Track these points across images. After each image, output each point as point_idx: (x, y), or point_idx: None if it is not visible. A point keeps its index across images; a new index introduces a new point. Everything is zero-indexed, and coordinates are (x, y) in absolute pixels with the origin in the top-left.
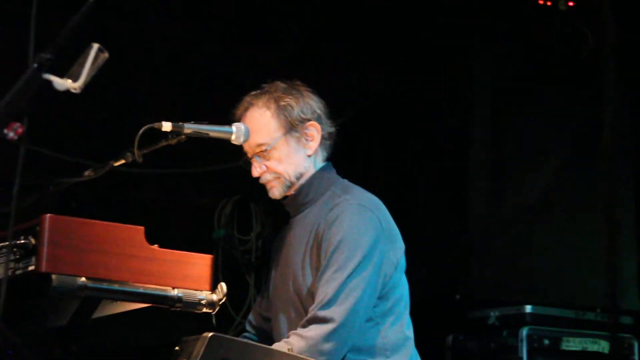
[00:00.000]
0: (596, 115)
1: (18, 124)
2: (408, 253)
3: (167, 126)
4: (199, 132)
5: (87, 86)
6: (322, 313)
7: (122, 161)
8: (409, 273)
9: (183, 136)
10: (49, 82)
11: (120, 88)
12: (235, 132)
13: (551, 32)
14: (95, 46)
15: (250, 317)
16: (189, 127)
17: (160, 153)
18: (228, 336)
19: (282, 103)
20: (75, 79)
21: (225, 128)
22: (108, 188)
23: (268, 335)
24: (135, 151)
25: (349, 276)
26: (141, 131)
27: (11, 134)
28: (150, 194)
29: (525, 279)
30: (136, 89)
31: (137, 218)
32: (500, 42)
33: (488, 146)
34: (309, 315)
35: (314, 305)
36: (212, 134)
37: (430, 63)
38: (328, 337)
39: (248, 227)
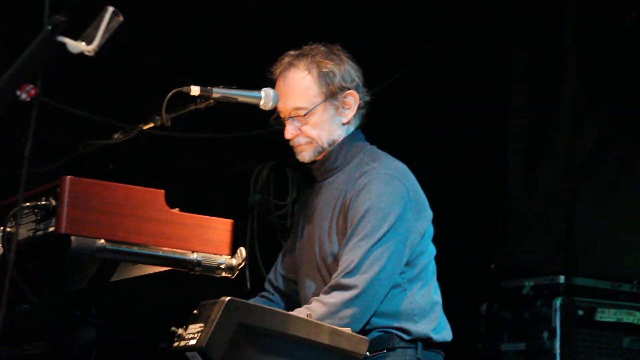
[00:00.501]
0: (637, 88)
1: (31, 86)
2: (444, 222)
3: (195, 90)
4: (227, 97)
5: (118, 48)
6: (345, 280)
7: (151, 124)
8: (444, 242)
9: (211, 100)
10: (63, 44)
11: (151, 51)
12: (264, 98)
13: (591, 3)
14: (110, 9)
15: (271, 275)
16: (217, 92)
17: (196, 117)
18: (245, 301)
19: (325, 69)
20: (89, 42)
21: (254, 93)
22: (145, 152)
23: (286, 296)
24: (164, 115)
25: (374, 245)
26: (169, 95)
27: (24, 96)
28: (186, 159)
29: (561, 249)
30: (167, 52)
31: (174, 182)
32: (539, 14)
33: (526, 115)
34: (332, 282)
35: (337, 273)
36: (240, 99)
37: (469, 34)
38: (349, 303)
39: (284, 193)
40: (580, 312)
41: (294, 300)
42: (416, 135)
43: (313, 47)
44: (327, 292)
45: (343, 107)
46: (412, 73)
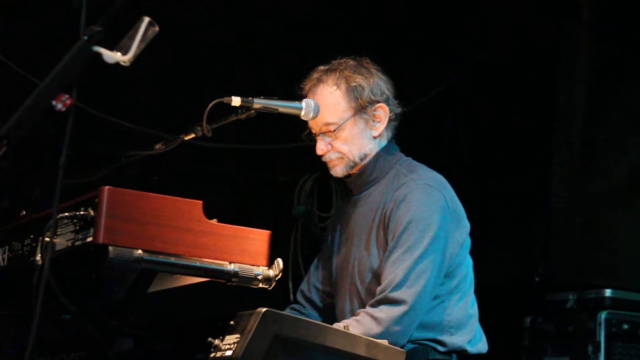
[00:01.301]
0: None
1: (67, 96)
2: (489, 234)
3: (236, 101)
4: (268, 108)
5: (161, 60)
6: (394, 295)
7: (192, 135)
8: (489, 255)
9: (252, 111)
10: (99, 55)
11: (193, 62)
12: (305, 108)
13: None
14: (146, 20)
15: (303, 287)
16: (258, 102)
17: (240, 128)
18: (282, 312)
19: (353, 84)
20: (124, 52)
21: (295, 104)
22: (190, 162)
23: (318, 308)
24: (205, 125)
25: (419, 258)
26: (210, 105)
27: (59, 106)
28: (231, 170)
29: (606, 263)
30: (209, 63)
31: (217, 193)
32: (591, 20)
33: (573, 127)
34: (380, 295)
35: (383, 286)
36: (281, 110)
37: (516, 42)
38: (399, 319)
39: (328, 204)
40: (625, 326)
41: (326, 312)
42: (462, 146)
43: (342, 61)
44: (374, 306)
45: (373, 121)
46: (459, 84)
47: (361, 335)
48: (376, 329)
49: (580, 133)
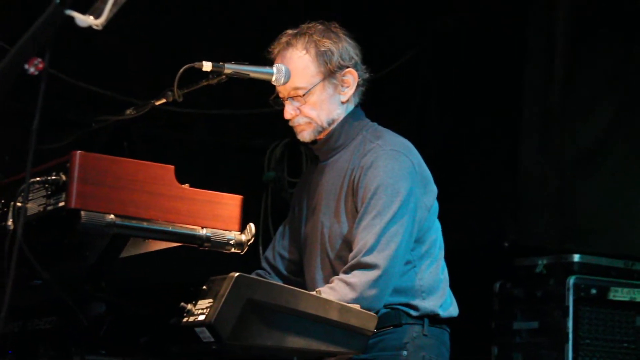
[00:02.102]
0: None
1: (39, 60)
2: (459, 201)
3: (207, 66)
4: (239, 73)
5: (132, 23)
6: (366, 259)
7: (163, 100)
8: (458, 221)
9: (223, 76)
10: (71, 18)
11: (162, 26)
12: (276, 74)
13: None
14: None
15: (268, 254)
16: (229, 68)
17: (211, 93)
18: (254, 277)
19: (323, 48)
20: (97, 16)
21: (266, 69)
22: (161, 128)
23: (282, 275)
24: (176, 90)
25: (389, 222)
26: (181, 70)
27: (32, 69)
28: (201, 135)
29: (574, 228)
30: (179, 28)
31: (187, 159)
32: None
33: (541, 94)
34: (352, 261)
35: (355, 252)
36: (252, 75)
37: (487, 6)
38: (373, 283)
39: (298, 170)
40: (594, 291)
41: (290, 280)
42: (431, 112)
43: (310, 25)
44: (347, 272)
45: (342, 86)
46: (429, 50)
47: (334, 300)
48: (350, 294)
49: (549, 100)
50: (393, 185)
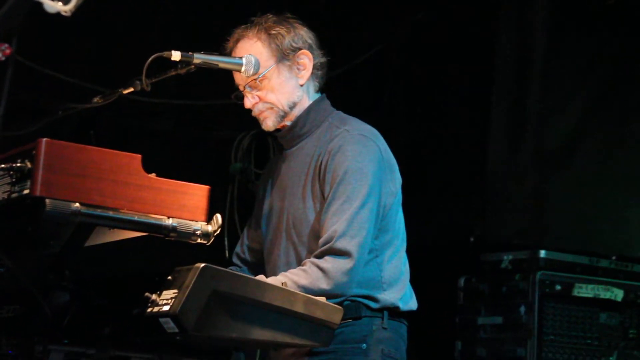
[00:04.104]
0: (623, 62)
1: (6, 45)
2: (425, 195)
3: (176, 55)
4: (208, 63)
5: (100, 10)
6: (338, 245)
7: (131, 89)
8: (424, 215)
9: (192, 66)
10: (39, 4)
11: (133, 15)
12: (245, 64)
13: None
14: None
15: (238, 249)
16: (198, 57)
17: (179, 83)
18: (220, 268)
19: (273, 32)
20: (65, 2)
21: (235, 59)
22: (127, 117)
23: (254, 267)
24: (144, 80)
25: (359, 208)
26: (150, 60)
27: None
28: (168, 125)
29: (540, 224)
30: (150, 16)
31: (154, 148)
32: None
33: (510, 90)
34: (324, 247)
35: (326, 237)
36: (221, 65)
37: (455, 9)
38: (346, 270)
39: (265, 161)
40: (558, 287)
41: (262, 272)
42: (398, 109)
43: (262, 17)
44: (319, 257)
45: (297, 68)
46: (398, 44)
47: (299, 292)
48: (324, 279)
49: (517, 96)
50: (361, 170)
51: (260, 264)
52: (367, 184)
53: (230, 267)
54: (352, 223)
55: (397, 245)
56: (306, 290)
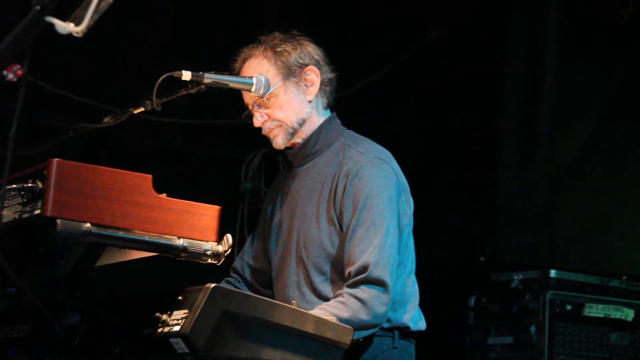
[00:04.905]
0: (634, 80)
1: (18, 66)
2: (435, 215)
3: (187, 75)
4: (218, 83)
5: (112, 31)
6: (374, 274)
7: (141, 109)
8: (435, 235)
9: (203, 86)
10: (51, 25)
11: (143, 35)
12: (256, 84)
13: None
14: None
15: (237, 264)
16: (209, 77)
17: (189, 103)
18: (231, 288)
19: (279, 49)
20: (77, 23)
21: (246, 79)
22: (138, 136)
23: (250, 285)
24: (154, 99)
25: (386, 234)
26: (160, 79)
27: (10, 76)
28: (178, 145)
29: (551, 244)
30: (160, 36)
31: (165, 168)
32: (537, 4)
33: (520, 108)
34: (359, 276)
35: (358, 266)
36: (232, 85)
37: (465, 24)
38: (384, 300)
39: None
40: (569, 307)
41: (258, 291)
42: (408, 126)
43: (269, 36)
44: (354, 287)
45: (305, 85)
46: (409, 63)
47: (309, 313)
48: (363, 310)
49: (528, 116)
50: (381, 194)
51: (259, 283)
52: (388, 208)
53: (228, 279)
54: (382, 251)
55: (408, 267)
56: (347, 323)
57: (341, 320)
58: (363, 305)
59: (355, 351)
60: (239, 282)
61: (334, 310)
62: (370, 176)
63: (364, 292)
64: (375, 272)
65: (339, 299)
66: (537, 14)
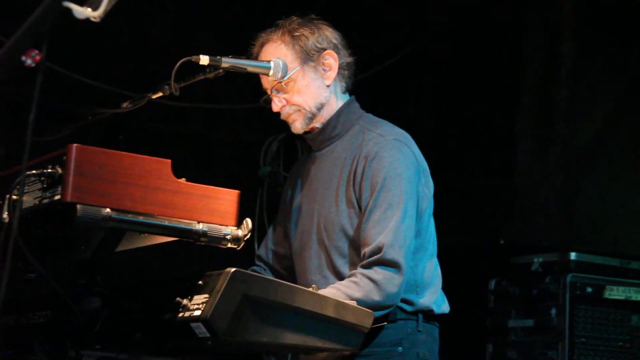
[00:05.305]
0: None
1: (36, 51)
2: (455, 198)
3: (204, 60)
4: (236, 67)
5: (128, 16)
6: (388, 256)
7: (160, 94)
8: (455, 218)
9: (220, 70)
10: (69, 10)
11: (160, 20)
12: (274, 68)
13: None
14: None
15: (261, 251)
16: (227, 62)
17: (207, 87)
18: (251, 272)
19: (296, 34)
20: (95, 8)
21: (263, 63)
22: (156, 121)
23: (276, 271)
24: (172, 84)
25: (402, 217)
26: (178, 64)
27: (29, 61)
28: (197, 129)
29: (571, 226)
30: (177, 21)
31: (183, 153)
32: None
33: (537, 92)
34: (373, 257)
35: (373, 247)
36: (249, 69)
37: (484, 6)
38: (396, 281)
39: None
40: (589, 290)
41: (284, 277)
42: (427, 109)
43: (287, 20)
44: (368, 267)
45: (323, 69)
46: (424, 49)
47: (330, 297)
48: (376, 290)
49: (545, 98)
50: (400, 175)
51: (282, 267)
52: (406, 190)
53: (253, 268)
54: (397, 233)
55: (429, 249)
56: (359, 302)
57: (352, 299)
58: (376, 286)
59: (380, 335)
60: (264, 270)
61: (346, 290)
62: (389, 158)
63: (377, 273)
64: (390, 253)
65: (352, 278)
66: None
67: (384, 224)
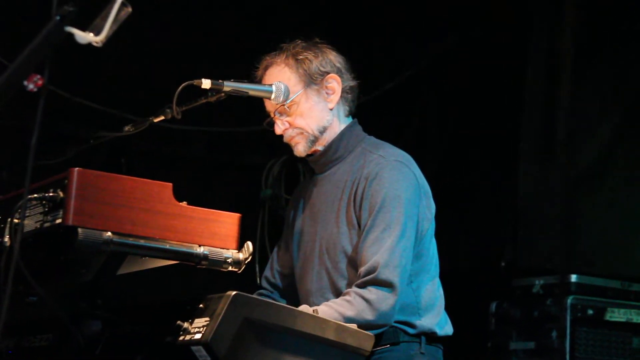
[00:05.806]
0: None
1: (38, 76)
2: (456, 220)
3: (206, 84)
4: (238, 90)
5: (130, 40)
6: (382, 276)
7: (162, 117)
8: (456, 240)
9: (222, 94)
10: (71, 35)
11: (163, 44)
12: (275, 92)
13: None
14: (119, 0)
15: (267, 273)
16: (229, 85)
17: (208, 111)
18: (252, 295)
19: (300, 57)
20: (97, 33)
21: (265, 87)
22: (158, 144)
23: (284, 292)
24: (174, 107)
25: (399, 237)
26: (180, 88)
27: (31, 86)
28: (199, 152)
29: (572, 248)
30: (179, 45)
31: (185, 176)
32: (558, 9)
33: (540, 112)
34: (367, 277)
35: (368, 266)
36: (251, 93)
37: (487, 28)
38: (390, 301)
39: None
40: (590, 312)
41: (292, 296)
42: (430, 131)
43: (291, 43)
44: (362, 287)
45: (326, 92)
46: (429, 69)
47: (331, 320)
48: (368, 310)
49: (548, 120)
50: (399, 197)
51: (291, 288)
52: (405, 211)
53: (260, 291)
54: (393, 253)
55: (431, 271)
56: (352, 321)
57: (345, 318)
58: (369, 305)
59: (383, 358)
60: (272, 292)
61: (339, 308)
62: (388, 178)
63: (370, 292)
64: (384, 273)
65: (346, 297)
66: (555, 20)
67: (380, 243)
